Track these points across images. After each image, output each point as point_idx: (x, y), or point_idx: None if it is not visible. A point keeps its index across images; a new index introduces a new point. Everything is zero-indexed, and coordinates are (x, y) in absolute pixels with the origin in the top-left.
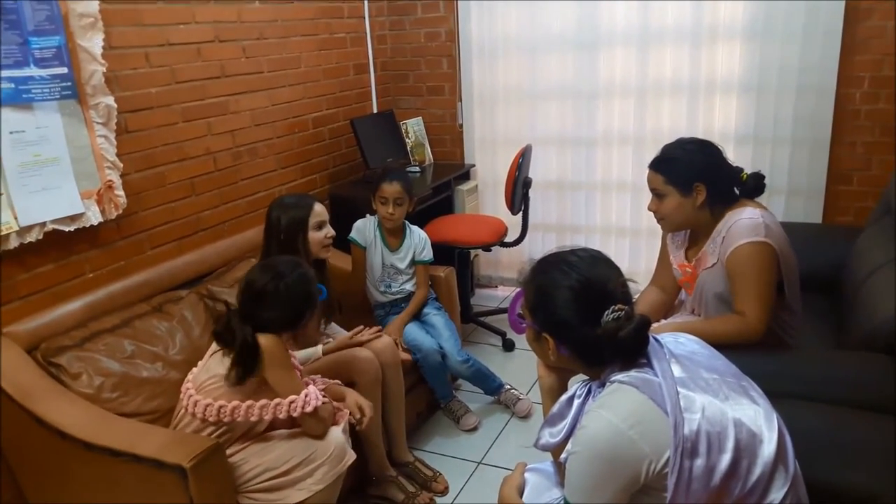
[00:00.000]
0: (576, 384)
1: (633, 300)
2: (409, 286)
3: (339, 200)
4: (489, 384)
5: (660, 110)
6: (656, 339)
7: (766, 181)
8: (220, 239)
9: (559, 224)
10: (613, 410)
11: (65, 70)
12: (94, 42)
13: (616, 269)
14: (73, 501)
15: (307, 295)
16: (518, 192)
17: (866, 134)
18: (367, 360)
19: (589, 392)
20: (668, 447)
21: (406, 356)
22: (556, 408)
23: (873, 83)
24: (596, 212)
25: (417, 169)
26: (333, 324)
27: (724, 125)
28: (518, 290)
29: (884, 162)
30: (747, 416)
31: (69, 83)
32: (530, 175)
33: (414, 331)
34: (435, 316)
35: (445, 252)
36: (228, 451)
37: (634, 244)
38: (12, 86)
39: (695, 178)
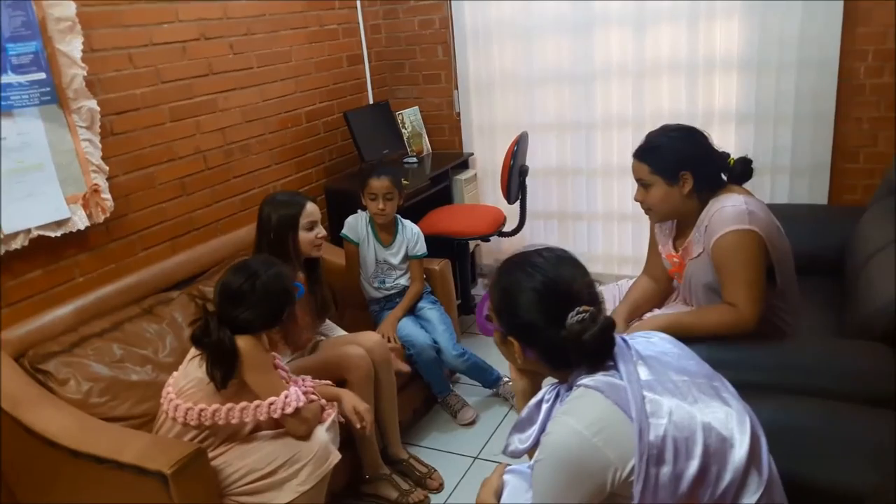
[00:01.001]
0: (546, 386)
1: (601, 300)
2: (403, 281)
3: (334, 194)
4: (486, 377)
5: (658, 91)
6: (624, 340)
7: (769, 160)
8: (213, 238)
9: (561, 211)
10: (578, 416)
11: (43, 75)
12: (73, 46)
13: (582, 269)
14: None
15: (283, 292)
16: (514, 180)
17: (872, 109)
18: (358, 356)
19: (557, 396)
20: (633, 454)
21: (402, 366)
22: (524, 412)
23: (877, 56)
24: (597, 197)
25: (415, 159)
26: (329, 321)
27: (725, 104)
28: (486, 292)
29: (890, 138)
30: (718, 419)
31: (48, 88)
32: (530, 162)
33: (408, 326)
34: (430, 310)
35: (444, 243)
36: (212, 454)
37: (637, 230)
38: None
39: (681, 166)
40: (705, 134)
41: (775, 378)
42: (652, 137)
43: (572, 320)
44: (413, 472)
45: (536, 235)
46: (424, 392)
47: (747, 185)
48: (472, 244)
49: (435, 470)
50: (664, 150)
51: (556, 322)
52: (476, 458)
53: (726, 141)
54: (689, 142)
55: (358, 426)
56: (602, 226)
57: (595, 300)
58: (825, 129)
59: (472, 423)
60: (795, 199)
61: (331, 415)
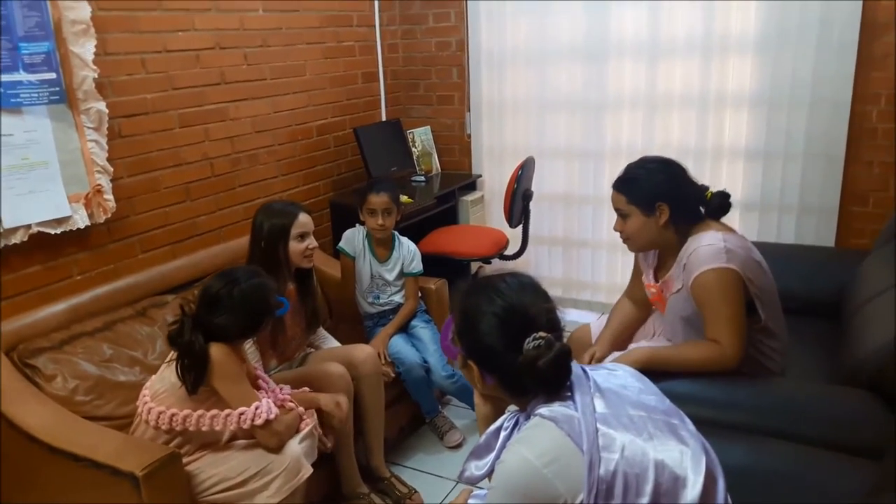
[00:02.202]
0: (507, 414)
1: (563, 327)
2: (397, 298)
3: (339, 208)
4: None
5: (669, 124)
6: (584, 371)
7: (777, 199)
8: (215, 244)
9: (566, 238)
10: (530, 446)
11: (53, 75)
12: (86, 48)
13: (543, 296)
14: (41, 503)
15: (262, 302)
16: (517, 204)
17: (883, 153)
18: (338, 375)
19: (516, 424)
20: (583, 487)
21: (388, 371)
22: (482, 439)
23: (891, 101)
24: (603, 226)
25: (423, 178)
26: (323, 331)
27: (735, 140)
28: (451, 315)
29: None
30: (672, 457)
31: (57, 88)
32: (538, 188)
33: (399, 344)
34: (422, 329)
35: (445, 263)
36: (187, 460)
37: None
38: (1, 90)
39: (657, 197)
40: (683, 166)
41: (753, 419)
42: (630, 169)
43: (528, 346)
44: (393, 492)
45: (541, 260)
46: (413, 410)
47: (750, 220)
48: (473, 266)
49: (416, 491)
50: (641, 181)
51: (514, 348)
52: (459, 481)
53: (734, 177)
54: (666, 174)
55: (336, 418)
56: (606, 255)
57: (555, 327)
58: (835, 171)
59: (459, 446)
60: (802, 240)
61: (308, 424)
